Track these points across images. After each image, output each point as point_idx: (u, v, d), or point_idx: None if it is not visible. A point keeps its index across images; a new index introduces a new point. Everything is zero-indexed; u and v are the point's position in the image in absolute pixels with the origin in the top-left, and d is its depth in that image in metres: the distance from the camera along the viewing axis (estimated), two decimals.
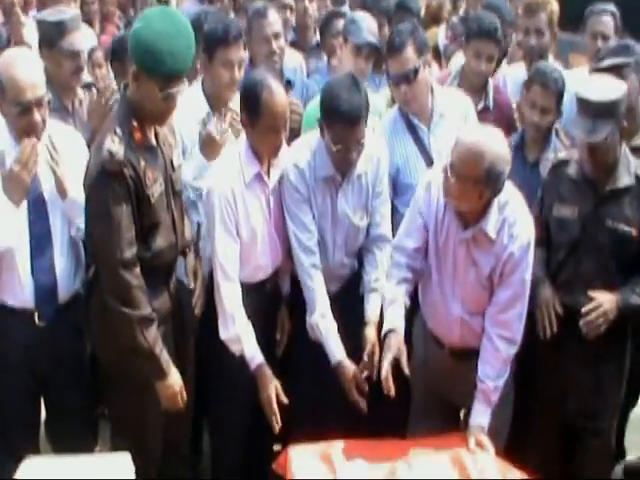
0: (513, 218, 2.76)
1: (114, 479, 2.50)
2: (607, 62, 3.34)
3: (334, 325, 3.01)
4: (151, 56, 2.56)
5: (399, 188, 3.36)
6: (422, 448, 2.70)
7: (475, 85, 3.79)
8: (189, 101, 3.17)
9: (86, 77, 3.80)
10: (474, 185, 2.64)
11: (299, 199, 3.02)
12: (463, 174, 2.63)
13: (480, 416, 2.81)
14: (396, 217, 3.24)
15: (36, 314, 2.87)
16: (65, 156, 2.92)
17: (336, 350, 2.98)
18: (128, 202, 2.61)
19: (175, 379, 2.76)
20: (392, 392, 2.70)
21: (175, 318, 2.91)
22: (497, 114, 3.74)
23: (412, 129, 3.38)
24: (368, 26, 3.69)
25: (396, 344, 2.78)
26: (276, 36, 3.74)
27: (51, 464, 2.60)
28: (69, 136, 3.05)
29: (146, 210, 2.68)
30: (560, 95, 3.37)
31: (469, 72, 3.81)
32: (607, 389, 3.10)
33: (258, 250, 3.01)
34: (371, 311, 3.09)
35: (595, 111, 2.83)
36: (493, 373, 2.82)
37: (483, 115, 3.65)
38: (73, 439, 2.98)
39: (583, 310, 2.96)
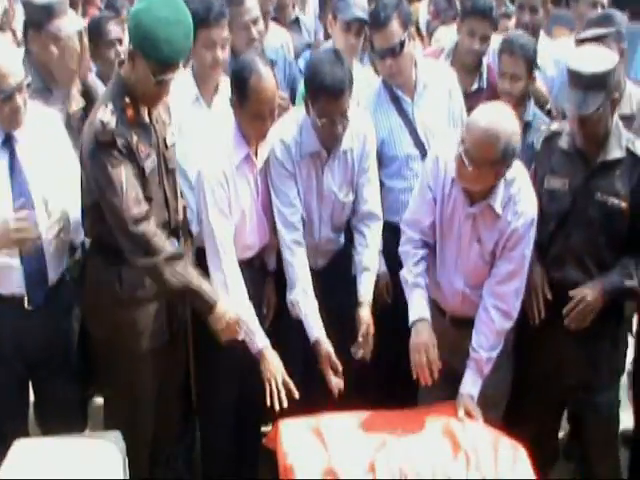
0: (519, 195, 2.76)
1: (105, 458, 2.55)
2: (589, 33, 3.36)
3: (314, 303, 3.02)
4: (148, 41, 2.56)
5: (384, 160, 3.36)
6: (412, 419, 2.71)
7: (468, 64, 3.77)
8: (179, 84, 3.12)
9: None
10: (491, 167, 2.64)
11: (284, 174, 3.02)
12: (480, 159, 2.61)
13: (470, 385, 2.82)
14: (382, 190, 3.27)
15: (26, 299, 2.85)
16: (43, 140, 2.89)
17: (314, 328, 2.99)
18: (127, 164, 2.62)
19: (224, 307, 2.74)
20: (429, 381, 2.79)
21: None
22: (489, 94, 3.66)
23: (396, 101, 3.39)
24: (356, 1, 3.67)
25: (428, 333, 2.82)
26: (254, 22, 3.70)
27: (42, 445, 2.62)
28: (47, 119, 3.01)
29: (140, 180, 2.69)
30: (530, 61, 3.39)
31: (462, 51, 3.78)
32: (602, 363, 3.08)
33: (247, 229, 3.00)
34: (364, 291, 3.11)
35: (586, 83, 2.80)
36: (487, 344, 2.83)
37: (477, 96, 3.63)
38: (62, 422, 2.94)
39: (565, 310, 2.95)
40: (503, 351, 2.90)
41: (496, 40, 3.73)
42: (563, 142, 3.04)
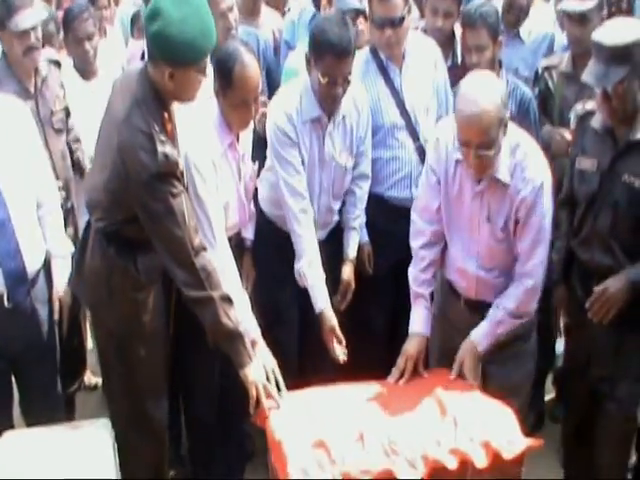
0: (525, 162, 2.66)
1: (95, 445, 2.54)
2: (575, 7, 3.37)
3: (321, 274, 3.06)
4: (182, 47, 2.44)
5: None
6: (402, 387, 2.70)
7: (438, 42, 3.68)
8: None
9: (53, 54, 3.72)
10: (492, 144, 2.56)
11: (288, 143, 3.06)
12: (479, 143, 2.55)
13: (481, 334, 2.75)
14: None
15: (5, 296, 2.82)
16: (10, 134, 2.84)
17: (320, 299, 3.04)
18: (184, 191, 2.60)
19: (252, 370, 2.63)
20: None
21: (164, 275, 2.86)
22: (463, 70, 3.49)
23: (383, 71, 3.39)
24: None
25: (419, 348, 2.81)
26: (230, 9, 3.68)
27: (31, 435, 2.62)
28: (11, 111, 2.93)
29: None
30: (492, 28, 3.37)
31: (428, 29, 3.77)
32: (628, 356, 2.94)
33: (229, 212, 2.97)
34: (350, 249, 3.29)
35: (607, 55, 2.68)
36: (510, 306, 2.73)
37: (451, 72, 3.59)
38: (47, 415, 2.91)
39: (587, 303, 2.86)
40: (526, 337, 2.86)
41: None
42: (595, 122, 2.93)
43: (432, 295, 2.95)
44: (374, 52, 3.41)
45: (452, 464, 2.35)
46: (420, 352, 2.82)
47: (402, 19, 3.26)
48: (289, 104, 3.07)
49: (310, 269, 3.04)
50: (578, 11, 3.32)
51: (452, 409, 2.51)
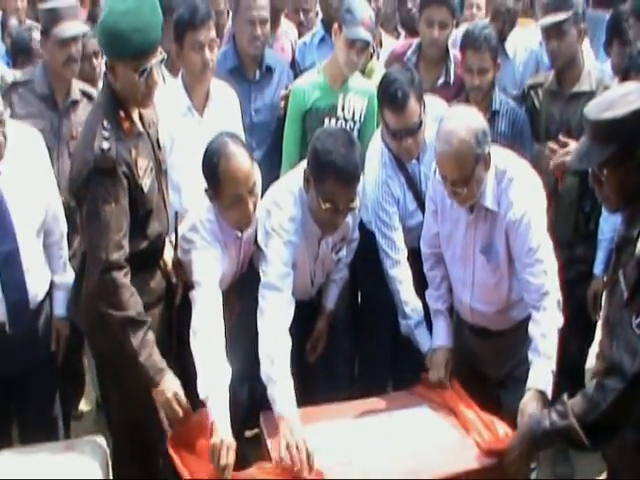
0: (511, 188, 2.64)
1: (87, 463, 2.54)
2: (548, 20, 3.40)
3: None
4: (116, 41, 2.51)
5: None
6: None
7: (433, 56, 3.74)
8: (169, 96, 3.16)
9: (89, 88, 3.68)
10: (466, 180, 2.57)
11: (285, 243, 2.76)
12: (453, 179, 2.58)
13: (537, 377, 2.56)
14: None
15: (7, 324, 2.79)
16: (25, 165, 2.82)
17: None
18: (119, 200, 2.54)
19: (167, 386, 2.59)
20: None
21: (167, 295, 2.88)
22: (457, 89, 3.67)
23: (403, 168, 3.18)
24: (363, 19, 3.47)
25: (442, 359, 2.85)
26: (262, 22, 3.62)
27: (23, 454, 2.61)
28: (28, 140, 2.89)
29: (140, 200, 2.63)
30: (494, 51, 3.39)
31: (425, 42, 3.74)
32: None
33: (222, 281, 2.84)
34: (328, 301, 3.21)
35: (590, 132, 2.26)
36: (543, 331, 2.61)
37: (444, 91, 3.60)
38: (44, 440, 2.88)
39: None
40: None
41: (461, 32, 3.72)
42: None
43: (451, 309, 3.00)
44: (391, 152, 3.15)
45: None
46: (447, 361, 2.85)
47: (420, 124, 2.99)
48: (288, 219, 2.75)
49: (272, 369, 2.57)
50: (552, 23, 3.35)
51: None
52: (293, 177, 2.88)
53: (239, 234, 2.86)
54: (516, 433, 2.38)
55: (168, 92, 3.15)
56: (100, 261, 2.54)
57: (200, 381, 2.50)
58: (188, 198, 3.15)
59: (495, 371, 2.95)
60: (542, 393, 2.50)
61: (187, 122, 3.24)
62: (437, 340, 2.93)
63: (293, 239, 2.75)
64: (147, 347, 2.60)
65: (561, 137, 3.33)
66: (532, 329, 2.61)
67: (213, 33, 3.21)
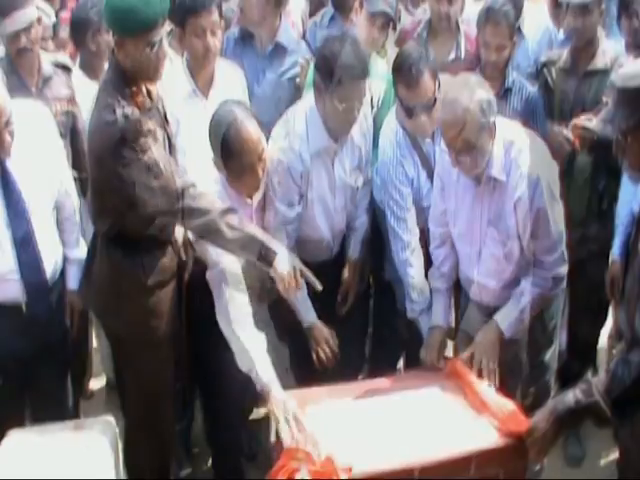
0: (520, 158, 2.67)
1: (97, 443, 2.54)
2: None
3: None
4: (128, 14, 2.45)
5: None
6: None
7: (444, 31, 3.72)
8: (172, 79, 3.11)
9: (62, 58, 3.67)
10: (470, 148, 2.58)
11: (290, 179, 2.92)
12: (457, 147, 2.59)
13: (502, 313, 2.79)
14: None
15: (24, 305, 2.79)
16: (34, 144, 2.80)
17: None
18: (155, 144, 2.52)
19: (285, 256, 2.61)
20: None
21: (178, 274, 2.86)
22: (467, 65, 3.60)
23: (417, 147, 3.14)
24: None
25: (439, 340, 2.91)
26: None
27: (34, 434, 2.62)
28: (35, 117, 2.88)
29: None
30: (512, 27, 3.37)
31: (434, 18, 3.72)
32: None
33: None
34: (351, 250, 3.25)
35: (616, 98, 2.30)
36: (536, 291, 2.78)
37: (455, 66, 3.53)
38: (54, 419, 2.88)
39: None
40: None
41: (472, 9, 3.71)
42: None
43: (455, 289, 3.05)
44: (405, 130, 3.12)
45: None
46: (440, 343, 2.90)
47: (434, 101, 2.96)
48: (294, 136, 2.91)
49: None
50: (581, 2, 3.33)
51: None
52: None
53: (248, 201, 2.85)
54: (538, 414, 2.36)
55: (171, 74, 3.09)
56: (173, 197, 2.52)
57: (238, 356, 2.56)
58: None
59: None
60: (500, 329, 2.74)
61: (192, 104, 3.19)
62: (435, 319, 2.95)
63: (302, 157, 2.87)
64: (250, 226, 2.64)
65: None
66: (525, 284, 2.75)
67: (216, 16, 3.13)
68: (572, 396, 2.25)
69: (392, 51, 3.60)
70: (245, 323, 2.65)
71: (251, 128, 2.67)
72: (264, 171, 2.74)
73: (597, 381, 2.22)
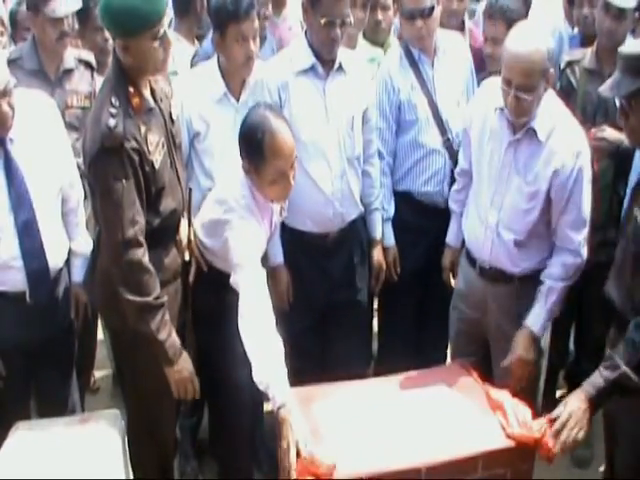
0: (565, 126, 2.76)
1: (103, 437, 2.54)
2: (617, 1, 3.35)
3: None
4: (131, 16, 2.43)
5: (402, 125, 3.37)
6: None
7: (452, 28, 3.73)
8: (205, 80, 3.10)
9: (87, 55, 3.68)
10: (531, 88, 2.65)
11: (266, 97, 3.06)
12: (519, 84, 2.64)
13: (532, 318, 2.86)
14: (399, 156, 3.40)
15: (27, 294, 2.80)
16: (38, 132, 2.81)
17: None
18: (130, 177, 2.49)
19: (183, 365, 2.65)
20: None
21: (182, 273, 2.85)
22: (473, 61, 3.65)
23: (415, 66, 3.37)
24: None
25: (450, 258, 3.33)
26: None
27: (41, 427, 2.62)
28: (40, 107, 2.89)
29: (151, 176, 2.59)
30: (510, 23, 3.24)
31: (443, 14, 3.64)
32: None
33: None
34: (376, 232, 3.37)
35: (623, 65, 2.46)
36: (557, 272, 2.85)
37: None
38: (61, 413, 2.94)
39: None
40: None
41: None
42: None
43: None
44: (406, 48, 3.39)
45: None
46: (452, 263, 3.31)
47: (432, 9, 3.24)
48: (280, 56, 3.15)
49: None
50: (620, 5, 3.32)
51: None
52: None
53: (273, 206, 2.84)
54: (572, 400, 2.34)
55: (202, 78, 3.10)
56: (116, 240, 2.51)
57: (256, 369, 2.36)
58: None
59: (492, 328, 3.03)
60: (534, 334, 2.84)
61: (223, 107, 3.15)
62: (448, 238, 3.31)
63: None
64: (165, 327, 2.60)
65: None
66: (548, 273, 2.85)
67: (256, 23, 3.10)
68: (599, 376, 2.31)
69: (395, 45, 3.69)
70: (269, 329, 2.46)
71: (286, 136, 2.63)
72: (293, 177, 2.70)
73: (618, 353, 2.30)
